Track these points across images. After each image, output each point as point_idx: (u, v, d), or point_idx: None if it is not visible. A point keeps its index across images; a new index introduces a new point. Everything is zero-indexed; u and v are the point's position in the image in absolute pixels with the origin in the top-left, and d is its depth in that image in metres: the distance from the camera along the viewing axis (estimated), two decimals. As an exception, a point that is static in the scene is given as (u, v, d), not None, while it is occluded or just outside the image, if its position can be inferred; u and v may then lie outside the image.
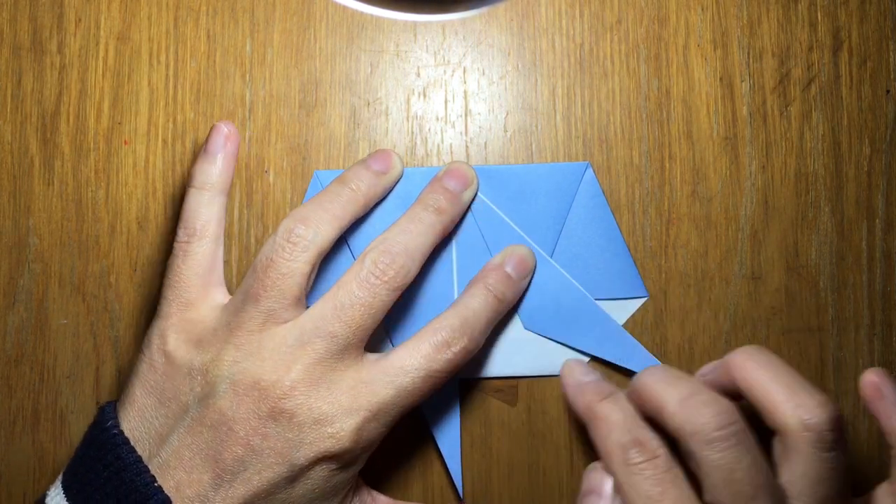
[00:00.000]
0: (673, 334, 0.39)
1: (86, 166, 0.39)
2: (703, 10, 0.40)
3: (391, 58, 0.40)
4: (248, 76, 0.39)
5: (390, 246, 0.34)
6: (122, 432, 0.33)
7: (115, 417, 0.33)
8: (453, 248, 0.39)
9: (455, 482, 0.38)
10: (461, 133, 0.39)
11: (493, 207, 0.39)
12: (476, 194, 0.38)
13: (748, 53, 0.40)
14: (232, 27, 0.39)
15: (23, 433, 0.39)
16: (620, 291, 0.39)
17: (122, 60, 0.39)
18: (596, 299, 0.39)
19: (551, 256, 0.38)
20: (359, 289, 0.33)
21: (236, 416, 0.31)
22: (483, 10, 0.40)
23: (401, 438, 0.39)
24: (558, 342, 0.38)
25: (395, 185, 0.38)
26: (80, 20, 0.39)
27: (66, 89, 0.39)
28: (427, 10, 0.40)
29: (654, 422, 0.33)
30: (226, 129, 0.37)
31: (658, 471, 0.31)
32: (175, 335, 0.34)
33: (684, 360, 0.39)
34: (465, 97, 0.40)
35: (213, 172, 0.36)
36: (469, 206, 0.38)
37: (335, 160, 0.39)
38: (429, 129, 0.39)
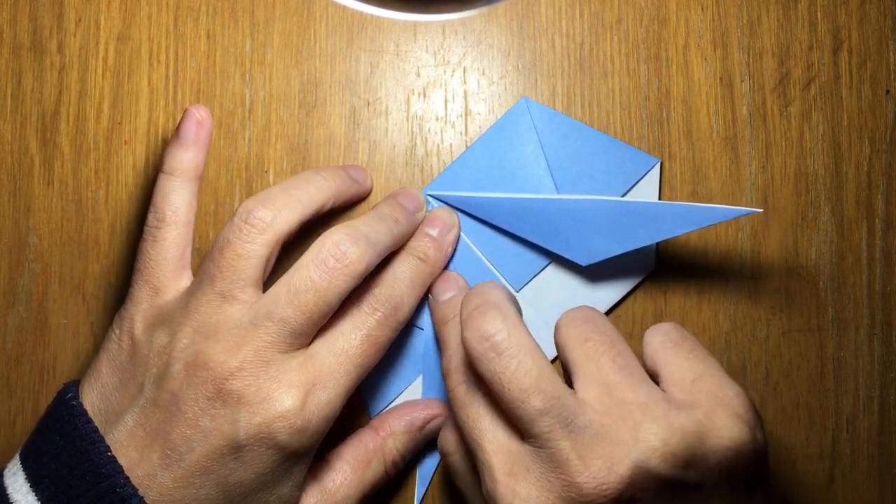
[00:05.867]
0: (673, 334, 0.39)
1: (86, 166, 0.39)
2: (703, 10, 0.40)
3: (391, 58, 0.40)
4: (248, 76, 0.39)
5: (353, 231, 0.34)
6: (80, 404, 0.33)
7: (76, 391, 0.34)
8: (476, 250, 0.39)
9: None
10: (461, 133, 0.39)
11: (486, 195, 0.38)
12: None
13: (748, 53, 0.40)
14: (232, 27, 0.39)
15: (23, 433, 0.39)
16: (634, 173, 0.39)
17: (122, 60, 0.39)
18: (621, 196, 0.38)
19: (557, 192, 0.38)
20: (315, 271, 0.33)
21: (186, 396, 0.32)
22: (483, 10, 0.40)
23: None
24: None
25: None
26: (80, 20, 0.39)
27: (66, 89, 0.39)
28: (427, 10, 0.40)
29: None
30: (198, 115, 0.36)
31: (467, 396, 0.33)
32: (142, 321, 0.34)
33: (684, 360, 0.39)
34: (465, 97, 0.40)
35: (185, 159, 0.35)
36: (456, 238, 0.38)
37: (335, 160, 0.39)
38: (429, 129, 0.39)
